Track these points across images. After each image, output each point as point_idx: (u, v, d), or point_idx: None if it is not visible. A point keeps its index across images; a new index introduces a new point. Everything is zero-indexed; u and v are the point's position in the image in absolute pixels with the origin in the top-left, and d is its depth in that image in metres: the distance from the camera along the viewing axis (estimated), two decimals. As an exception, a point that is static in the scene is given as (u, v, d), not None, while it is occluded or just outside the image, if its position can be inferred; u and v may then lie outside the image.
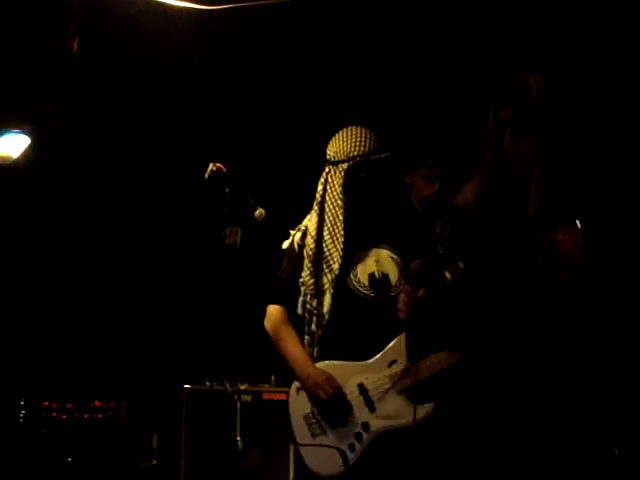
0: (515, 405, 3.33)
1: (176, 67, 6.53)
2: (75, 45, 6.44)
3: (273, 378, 6.61)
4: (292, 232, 4.43)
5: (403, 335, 4.06)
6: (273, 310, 4.42)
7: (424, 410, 3.96)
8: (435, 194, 4.70)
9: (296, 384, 4.27)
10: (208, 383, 6.42)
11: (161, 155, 7.09)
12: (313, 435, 4.11)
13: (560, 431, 3.21)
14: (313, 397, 4.15)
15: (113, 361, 7.07)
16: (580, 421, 3.17)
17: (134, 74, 6.61)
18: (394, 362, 4.06)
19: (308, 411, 4.16)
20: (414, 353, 4.01)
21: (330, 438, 4.07)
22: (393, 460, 4.01)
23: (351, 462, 4.01)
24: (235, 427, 5.53)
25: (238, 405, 6.03)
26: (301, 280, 4.26)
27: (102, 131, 7.02)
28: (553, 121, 3.32)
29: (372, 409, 4.03)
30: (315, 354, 4.22)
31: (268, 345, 6.66)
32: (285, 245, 4.43)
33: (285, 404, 6.39)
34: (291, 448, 6.35)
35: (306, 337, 4.26)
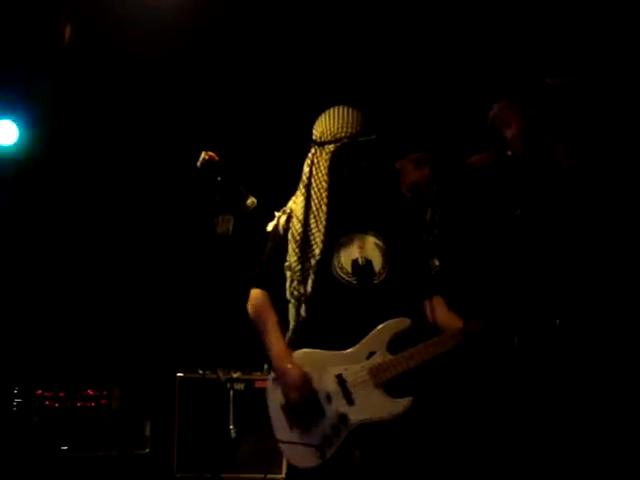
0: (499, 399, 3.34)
1: (166, 55, 6.51)
2: (68, 33, 6.43)
3: (266, 366, 6.58)
4: (277, 214, 4.34)
5: (382, 326, 4.03)
6: (256, 294, 4.29)
7: (402, 404, 3.93)
8: (426, 179, 4.62)
9: (273, 374, 4.19)
10: (201, 371, 6.41)
11: (153, 144, 7.08)
12: (291, 427, 4.05)
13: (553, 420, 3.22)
14: (287, 395, 4.06)
15: (106, 349, 7.07)
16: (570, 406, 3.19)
17: (125, 62, 6.60)
18: (373, 353, 4.00)
19: (285, 403, 4.10)
20: (393, 345, 3.99)
21: (307, 431, 4.01)
22: (371, 453, 3.98)
23: (328, 455, 3.96)
24: (228, 415, 5.55)
25: (231, 393, 6.06)
26: (287, 264, 4.16)
27: (95, 119, 7.01)
28: (574, 118, 3.42)
29: (350, 402, 3.97)
30: (297, 339, 4.16)
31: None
32: (269, 228, 4.34)
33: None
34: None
35: (291, 322, 4.19)
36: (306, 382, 4.00)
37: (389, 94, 6.49)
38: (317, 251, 4.09)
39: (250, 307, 4.31)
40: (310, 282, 4.09)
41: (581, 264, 3.27)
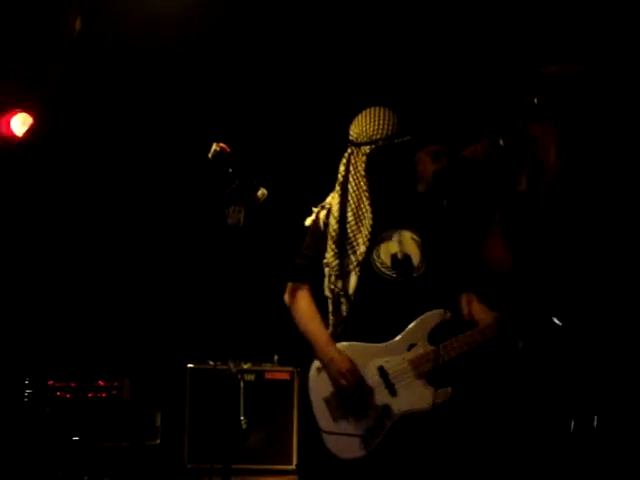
0: (533, 391, 3.33)
1: (181, 45, 6.52)
2: (77, 24, 6.43)
3: (276, 357, 6.62)
4: (315, 209, 4.39)
5: (423, 317, 4.07)
6: (294, 286, 4.38)
7: (442, 395, 3.98)
8: (442, 169, 4.66)
9: (316, 364, 4.24)
10: (211, 362, 6.43)
11: (165, 135, 7.08)
12: (334, 419, 4.10)
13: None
14: (335, 382, 4.12)
15: (117, 340, 7.07)
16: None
17: (137, 54, 6.60)
18: (414, 345, 4.07)
19: (329, 394, 4.14)
20: (434, 336, 4.03)
21: (351, 422, 4.06)
22: (414, 444, 4.01)
23: (372, 446, 4.02)
24: (238, 406, 5.55)
25: (241, 384, 6.06)
26: (325, 261, 4.24)
27: (106, 110, 7.01)
28: (571, 114, 3.37)
29: (393, 393, 4.03)
30: (338, 334, 4.20)
31: (271, 324, 6.69)
32: (308, 222, 4.40)
33: (288, 384, 6.46)
34: (294, 427, 6.38)
35: (331, 317, 4.24)
36: (354, 369, 4.06)
37: (405, 87, 6.49)
38: (362, 248, 4.18)
39: (289, 299, 4.41)
40: (354, 278, 4.16)
41: (576, 260, 3.27)
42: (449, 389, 4.00)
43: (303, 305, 4.31)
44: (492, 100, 5.76)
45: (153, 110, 7.01)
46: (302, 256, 4.39)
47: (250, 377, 6.38)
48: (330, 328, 4.24)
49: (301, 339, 4.51)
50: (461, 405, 3.98)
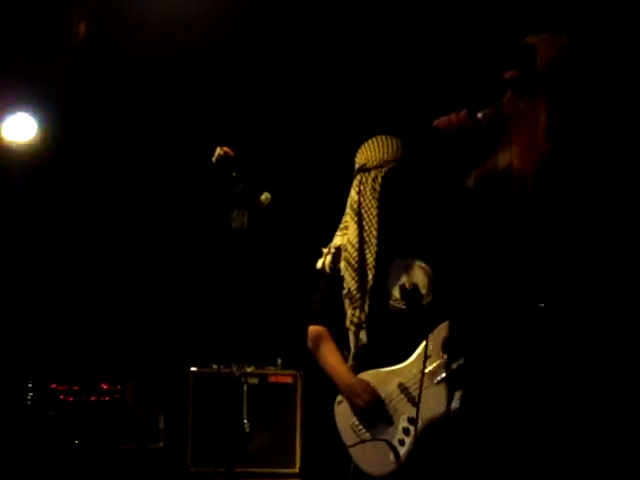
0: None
1: (185, 50, 6.52)
2: (82, 28, 6.44)
3: (279, 361, 6.62)
4: (324, 251, 4.46)
5: (434, 333, 4.09)
6: (314, 330, 4.48)
7: (458, 396, 4.00)
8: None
9: (338, 398, 4.33)
10: (215, 366, 6.43)
11: (169, 139, 7.09)
12: (362, 440, 4.16)
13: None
14: (353, 406, 4.21)
15: (120, 344, 7.08)
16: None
17: (141, 58, 6.60)
18: (428, 358, 4.09)
19: (353, 420, 4.21)
20: (446, 345, 4.05)
21: (379, 440, 4.11)
22: (443, 451, 4.02)
23: (403, 457, 4.04)
24: (242, 410, 5.55)
25: (245, 388, 6.06)
26: (344, 292, 4.30)
27: (110, 115, 7.02)
28: (558, 86, 3.18)
29: (415, 404, 4.07)
30: (356, 366, 4.27)
31: (274, 328, 6.70)
32: (319, 265, 4.47)
33: (291, 387, 6.46)
34: (298, 431, 6.38)
35: (352, 349, 4.30)
36: (368, 387, 4.13)
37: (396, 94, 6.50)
38: (370, 276, 4.21)
39: (310, 342, 4.50)
40: (366, 307, 4.20)
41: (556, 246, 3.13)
42: (459, 392, 4.01)
43: (324, 348, 4.41)
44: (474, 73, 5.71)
45: (157, 114, 7.01)
46: (317, 301, 4.49)
47: (253, 380, 6.38)
48: (350, 361, 4.32)
49: (304, 343, 4.55)
50: (476, 405, 3.96)
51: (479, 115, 3.22)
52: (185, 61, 6.68)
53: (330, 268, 4.38)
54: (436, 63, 6.33)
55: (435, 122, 3.25)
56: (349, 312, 4.31)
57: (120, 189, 7.26)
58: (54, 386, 6.46)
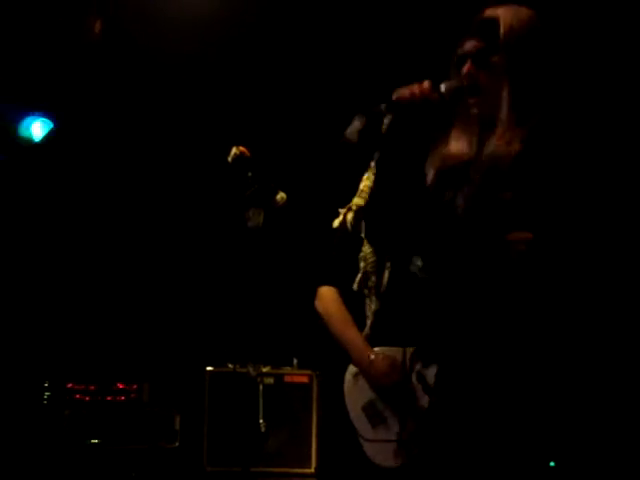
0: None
1: (201, 48, 6.52)
2: (97, 27, 6.44)
3: (295, 361, 6.60)
4: (342, 210, 4.30)
5: None
6: (325, 291, 4.25)
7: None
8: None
9: (352, 370, 4.10)
10: (231, 365, 6.42)
11: (185, 138, 7.09)
12: (373, 425, 4.01)
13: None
14: (376, 384, 3.99)
15: (136, 343, 7.08)
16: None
17: (157, 56, 6.60)
18: None
19: (367, 400, 4.04)
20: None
21: (391, 428, 3.96)
22: (458, 445, 3.96)
23: (413, 452, 3.96)
24: (258, 410, 5.55)
25: (260, 388, 6.07)
26: (361, 255, 4.12)
27: (126, 113, 7.02)
28: (521, 59, 3.05)
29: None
30: (373, 335, 4.12)
31: (291, 327, 6.69)
32: (335, 224, 4.29)
33: (307, 387, 6.45)
34: (314, 431, 6.36)
35: (369, 317, 4.15)
36: (394, 366, 3.96)
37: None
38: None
39: (320, 305, 4.26)
40: (386, 275, 4.06)
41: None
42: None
43: (335, 310, 4.18)
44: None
45: (174, 113, 7.01)
46: (329, 259, 4.26)
47: (269, 380, 6.36)
48: (366, 329, 4.14)
49: (321, 342, 4.46)
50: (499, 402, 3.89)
51: (442, 87, 3.08)
52: (202, 59, 6.68)
53: (352, 225, 4.18)
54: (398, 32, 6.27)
55: (397, 94, 3.08)
56: (360, 275, 4.09)
57: (137, 189, 7.27)
58: (70, 386, 6.46)
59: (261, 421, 6.03)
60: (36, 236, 7.05)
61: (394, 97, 3.07)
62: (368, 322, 4.11)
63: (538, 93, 3.02)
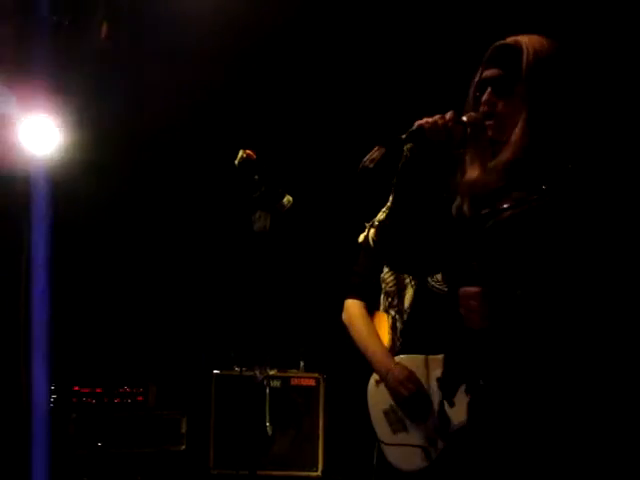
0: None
1: (207, 51, 6.51)
2: (104, 29, 6.44)
3: (302, 364, 6.61)
4: (367, 224, 4.38)
5: None
6: (351, 304, 4.38)
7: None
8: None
9: (375, 377, 4.22)
10: (237, 368, 6.42)
11: (192, 141, 7.09)
12: (394, 431, 4.08)
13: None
14: (394, 393, 4.10)
15: (142, 346, 7.08)
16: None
17: (165, 59, 6.60)
18: None
19: (388, 406, 4.12)
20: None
21: (411, 434, 4.04)
22: (475, 453, 3.97)
23: (434, 457, 3.99)
24: (264, 412, 5.56)
25: (267, 390, 6.07)
26: (382, 276, 4.24)
27: (132, 117, 7.02)
28: (542, 89, 3.08)
29: (451, 403, 4.00)
30: (397, 349, 4.20)
31: (297, 330, 6.69)
32: (361, 238, 4.39)
33: (314, 390, 6.45)
34: (320, 434, 6.36)
35: (388, 333, 4.23)
36: (412, 377, 4.04)
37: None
38: None
39: (346, 316, 4.39)
40: (410, 292, 4.13)
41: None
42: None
43: (359, 322, 4.32)
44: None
45: (179, 116, 7.01)
46: (355, 274, 4.39)
47: (276, 383, 6.37)
48: (389, 343, 4.23)
49: (327, 345, 4.51)
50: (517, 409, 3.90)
51: (464, 119, 3.08)
52: (207, 63, 6.67)
53: (374, 241, 4.28)
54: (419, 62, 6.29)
55: (420, 124, 3.05)
56: (383, 297, 4.24)
57: (143, 192, 7.26)
58: (77, 388, 6.46)
59: (267, 424, 6.03)
60: (41, 240, 7.04)
61: (415, 126, 3.05)
62: (394, 338, 4.18)
63: (557, 126, 3.04)
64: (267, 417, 5.98)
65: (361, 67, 6.62)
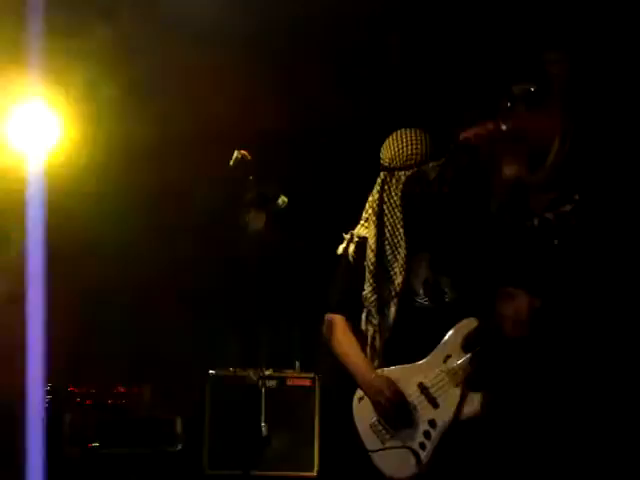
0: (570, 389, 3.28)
1: (204, 50, 6.50)
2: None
3: (298, 364, 6.61)
4: (346, 237, 4.37)
5: (453, 329, 4.05)
6: (332, 319, 4.40)
7: (482, 399, 3.97)
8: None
9: (358, 393, 4.27)
10: (232, 369, 6.42)
11: (187, 140, 7.08)
12: (382, 442, 4.12)
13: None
14: (375, 404, 4.14)
15: (137, 346, 7.07)
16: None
17: (161, 56, 6.59)
18: (449, 357, 4.05)
19: (374, 419, 4.16)
20: (468, 344, 4.00)
21: (399, 441, 4.08)
22: (465, 452, 4.00)
23: (424, 460, 4.01)
24: (260, 413, 5.54)
25: (263, 391, 6.05)
26: (364, 294, 4.23)
27: (129, 114, 7.01)
28: (576, 102, 3.23)
29: (435, 405, 4.03)
30: (377, 365, 4.20)
31: (293, 330, 6.68)
32: (340, 250, 4.39)
33: (310, 390, 6.45)
34: (316, 434, 6.36)
35: (368, 350, 4.24)
36: (392, 385, 4.07)
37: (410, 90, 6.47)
38: (400, 279, 4.14)
39: (327, 332, 4.41)
40: (393, 310, 4.14)
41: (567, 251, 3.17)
42: (487, 393, 3.98)
43: (341, 337, 4.34)
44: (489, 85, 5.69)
45: (176, 114, 7.00)
46: (335, 288, 4.41)
47: (271, 383, 6.35)
48: (368, 358, 4.23)
49: (323, 346, 4.51)
50: (502, 407, 3.96)
51: (503, 127, 3.27)
52: (204, 61, 6.67)
53: (353, 258, 4.30)
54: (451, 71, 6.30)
55: (465, 135, 3.31)
56: (365, 314, 4.27)
57: (138, 190, 7.25)
58: (71, 389, 6.45)
59: (263, 424, 6.02)
60: (36, 236, 7.03)
61: (461, 138, 3.35)
62: (368, 354, 4.20)
63: (590, 137, 3.18)
64: (262, 417, 5.96)
65: (357, 67, 6.61)
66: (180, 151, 7.05)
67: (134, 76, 6.67)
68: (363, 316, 4.26)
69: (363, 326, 4.25)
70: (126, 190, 7.20)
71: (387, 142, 4.22)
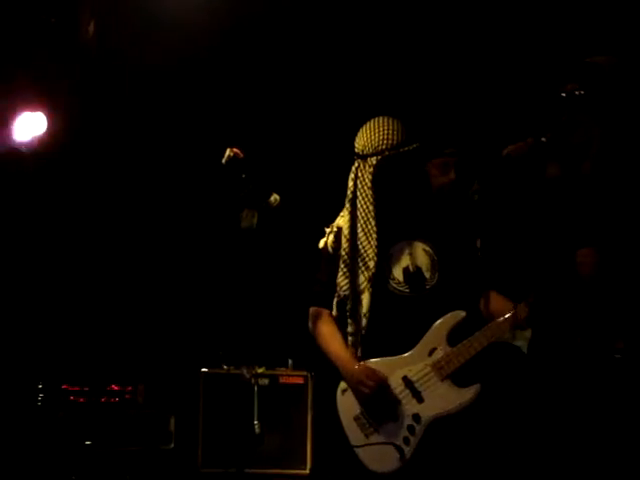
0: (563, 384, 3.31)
1: (194, 50, 6.51)
2: (91, 28, 6.44)
3: (290, 362, 6.61)
4: (327, 230, 4.36)
5: (439, 322, 4.04)
6: (315, 312, 4.34)
7: (469, 393, 3.95)
8: (452, 182, 4.70)
9: (342, 386, 4.20)
10: (225, 367, 6.42)
11: (180, 139, 7.09)
12: (366, 435, 4.07)
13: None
14: (358, 395, 4.09)
15: (130, 345, 7.08)
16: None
17: (153, 57, 6.60)
18: (434, 350, 4.03)
19: (358, 412, 4.10)
20: (452, 338, 4.00)
21: (383, 435, 4.03)
22: (449, 448, 3.99)
23: (408, 455, 3.98)
24: (252, 411, 5.55)
25: (255, 389, 6.07)
26: (337, 281, 4.19)
27: (120, 114, 7.02)
28: (619, 106, 3.33)
29: (420, 400, 4.00)
30: (359, 354, 4.18)
31: (285, 328, 6.69)
32: (321, 244, 4.37)
33: (302, 388, 6.45)
34: (309, 432, 6.36)
35: (349, 338, 4.21)
36: (374, 375, 4.03)
37: (410, 93, 6.48)
38: (372, 264, 4.10)
39: (312, 325, 4.36)
40: (367, 296, 4.11)
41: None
42: (475, 387, 3.97)
43: (324, 330, 4.28)
44: (498, 103, 5.74)
45: (167, 114, 7.01)
46: (317, 281, 4.35)
47: (264, 381, 6.36)
48: (349, 349, 4.20)
49: (315, 343, 4.50)
50: (487, 402, 3.95)
51: (543, 139, 3.45)
52: (195, 61, 6.68)
53: (332, 248, 4.28)
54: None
55: (507, 151, 3.54)
56: (335, 301, 4.20)
57: (130, 189, 7.26)
58: (65, 387, 6.45)
59: (256, 422, 6.03)
60: (31, 237, 7.04)
61: (504, 153, 3.56)
62: (349, 343, 4.17)
63: (630, 142, 3.29)
64: (255, 415, 5.98)
65: (348, 66, 6.62)
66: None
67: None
68: (334, 302, 4.21)
69: (334, 312, 4.21)
70: (116, 187, 7.22)
71: (360, 130, 4.23)
